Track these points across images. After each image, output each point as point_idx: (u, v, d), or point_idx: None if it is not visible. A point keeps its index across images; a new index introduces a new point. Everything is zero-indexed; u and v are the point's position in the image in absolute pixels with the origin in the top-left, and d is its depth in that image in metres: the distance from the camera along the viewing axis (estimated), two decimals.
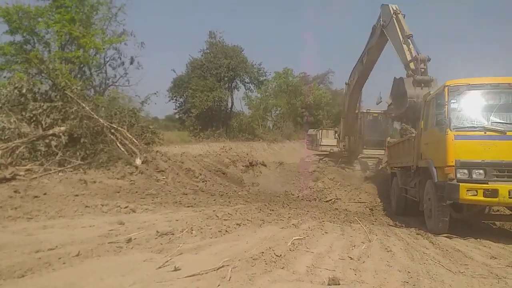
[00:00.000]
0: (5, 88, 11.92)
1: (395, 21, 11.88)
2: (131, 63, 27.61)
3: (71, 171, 10.19)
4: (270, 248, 4.87)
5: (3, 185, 8.43)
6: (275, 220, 7.43)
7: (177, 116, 39.82)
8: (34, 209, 6.90)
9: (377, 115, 18.90)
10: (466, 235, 7.20)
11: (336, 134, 20.21)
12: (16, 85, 11.78)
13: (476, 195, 6.68)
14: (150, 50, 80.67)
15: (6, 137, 10.36)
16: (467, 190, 6.71)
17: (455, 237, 7.01)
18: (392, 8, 12.16)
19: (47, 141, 10.66)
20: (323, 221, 8.00)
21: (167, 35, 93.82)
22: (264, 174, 16.36)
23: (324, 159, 19.81)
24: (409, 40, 11.27)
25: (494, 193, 6.59)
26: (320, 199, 12.67)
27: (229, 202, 10.16)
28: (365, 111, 18.91)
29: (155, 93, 26.58)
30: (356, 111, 18.09)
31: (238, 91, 40.65)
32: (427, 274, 4.32)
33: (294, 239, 5.47)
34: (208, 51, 37.91)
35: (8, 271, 3.71)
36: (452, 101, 7.29)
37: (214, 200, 10.22)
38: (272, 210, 8.95)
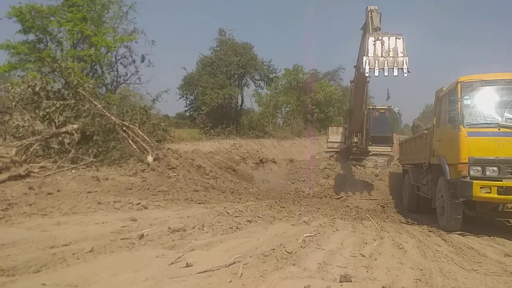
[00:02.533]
0: (19, 87, 12.11)
1: (369, 19, 11.62)
2: (142, 61, 27.80)
3: (84, 168, 10.32)
4: (281, 245, 4.88)
5: (18, 182, 8.57)
6: (285, 217, 7.43)
7: (187, 114, 39.96)
8: (48, 205, 7.01)
9: (383, 111, 18.87)
10: (479, 232, 7.13)
11: (346, 131, 20.19)
12: (30, 83, 11.96)
13: (490, 192, 6.60)
14: (161, 48, 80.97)
15: (20, 135, 10.54)
16: (481, 188, 6.63)
17: (468, 235, 6.95)
18: (370, 8, 11.93)
19: (60, 138, 10.82)
20: (334, 218, 7.97)
21: (177, 33, 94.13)
22: (274, 171, 16.38)
23: (334, 156, 19.75)
24: (375, 33, 10.75)
25: (508, 190, 6.50)
26: (331, 196, 12.63)
27: (240, 199, 10.20)
28: (371, 107, 18.89)
29: (166, 91, 26.60)
30: (364, 108, 18.04)
31: (248, 88, 40.62)
32: (440, 272, 4.28)
33: (305, 236, 5.46)
34: (218, 48, 37.93)
35: (24, 267, 3.77)
36: (465, 97, 7.19)
37: (225, 197, 10.27)
38: (283, 207, 8.96)
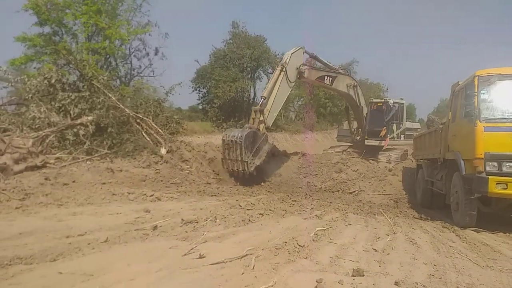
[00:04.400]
0: (35, 79, 12.30)
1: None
2: (156, 54, 27.95)
3: (98, 160, 10.45)
4: (293, 238, 4.89)
5: (35, 172, 8.72)
6: (297, 211, 7.43)
7: (200, 107, 39.97)
8: (64, 196, 7.13)
9: (381, 104, 18.87)
10: (494, 229, 7.03)
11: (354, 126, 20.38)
12: (46, 75, 12.13)
13: (506, 188, 6.49)
14: (174, 40, 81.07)
15: (36, 126, 10.71)
16: (497, 183, 6.52)
17: (483, 231, 6.86)
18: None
19: (75, 130, 10.96)
20: (347, 212, 7.94)
21: (191, 25, 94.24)
22: (286, 165, 16.31)
23: (347, 150, 19.65)
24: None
25: None
26: (343, 191, 12.56)
27: (252, 192, 10.23)
28: (370, 101, 19.29)
29: (179, 84, 26.67)
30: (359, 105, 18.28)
31: (261, 81, 40.34)
32: (454, 268, 4.25)
33: (317, 230, 5.47)
34: (231, 41, 37.81)
35: (41, 255, 3.86)
36: (482, 91, 7.05)
37: (237, 190, 10.32)
38: (295, 201, 8.96)
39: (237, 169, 11.83)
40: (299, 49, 14.27)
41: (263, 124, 12.82)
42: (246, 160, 11.58)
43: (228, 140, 11.74)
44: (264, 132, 12.80)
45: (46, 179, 8.29)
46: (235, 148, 11.62)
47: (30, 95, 11.71)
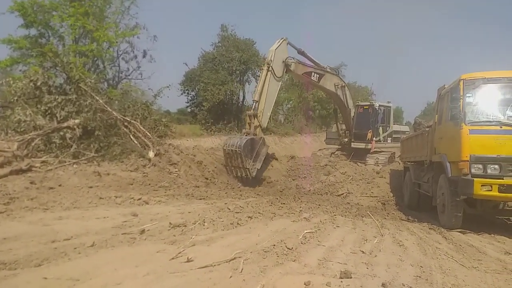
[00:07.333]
0: (21, 81, 12.10)
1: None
2: (144, 56, 27.76)
3: (85, 163, 10.32)
4: (281, 241, 4.90)
5: (20, 176, 8.58)
6: (286, 214, 7.45)
7: (189, 110, 39.84)
8: (50, 200, 7.03)
9: (367, 107, 19.08)
10: (479, 230, 7.13)
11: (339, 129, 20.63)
12: (32, 78, 11.94)
13: (491, 190, 6.59)
14: (163, 43, 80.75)
15: (22, 130, 10.54)
16: (482, 185, 6.62)
17: (468, 232, 6.96)
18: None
19: (61, 133, 10.80)
20: (335, 215, 7.99)
21: (180, 28, 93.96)
22: (275, 167, 16.34)
23: (336, 153, 19.78)
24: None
25: (509, 188, 6.49)
26: (331, 193, 12.62)
27: (241, 195, 10.23)
28: (356, 104, 19.59)
29: (168, 87, 26.54)
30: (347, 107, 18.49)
31: (250, 84, 40.43)
32: (440, 269, 4.30)
33: (306, 233, 5.49)
34: (220, 44, 37.80)
35: (26, 260, 3.80)
36: (468, 95, 7.16)
37: (226, 193, 10.31)
38: (284, 203, 8.98)
39: (241, 175, 12.54)
40: (282, 41, 14.21)
41: (259, 127, 13.18)
42: (247, 167, 12.30)
43: (229, 150, 12.34)
44: (261, 137, 13.20)
45: (31, 183, 8.16)
46: (236, 157, 12.23)
47: (16, 98, 11.52)
